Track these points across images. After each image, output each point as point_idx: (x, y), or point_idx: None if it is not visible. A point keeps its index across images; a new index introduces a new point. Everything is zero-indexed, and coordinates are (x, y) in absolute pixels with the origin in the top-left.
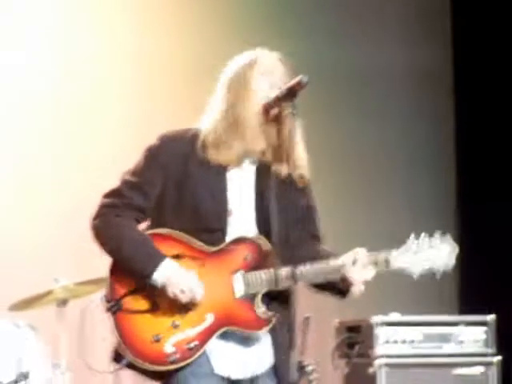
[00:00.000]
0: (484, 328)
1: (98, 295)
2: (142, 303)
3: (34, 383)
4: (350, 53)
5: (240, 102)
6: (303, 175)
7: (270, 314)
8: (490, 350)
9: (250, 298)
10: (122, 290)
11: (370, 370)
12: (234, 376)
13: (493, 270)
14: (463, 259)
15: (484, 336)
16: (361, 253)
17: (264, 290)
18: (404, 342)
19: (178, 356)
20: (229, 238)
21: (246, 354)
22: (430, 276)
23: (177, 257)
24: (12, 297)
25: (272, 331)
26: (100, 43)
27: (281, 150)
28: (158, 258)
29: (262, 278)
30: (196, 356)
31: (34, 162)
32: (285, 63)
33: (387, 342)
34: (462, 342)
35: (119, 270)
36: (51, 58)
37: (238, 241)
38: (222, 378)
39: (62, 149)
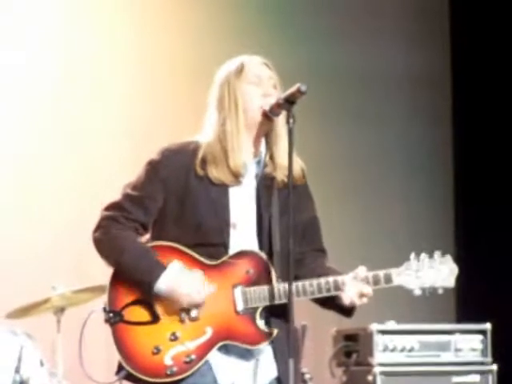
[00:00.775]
0: (481, 336)
1: (98, 305)
2: (142, 314)
3: None
4: (348, 57)
5: (228, 119)
6: (286, 176)
7: (270, 328)
8: (486, 359)
9: (250, 312)
10: (122, 301)
11: (368, 379)
12: None
13: (490, 278)
14: (460, 267)
15: (481, 345)
16: (361, 271)
17: (264, 305)
18: (401, 350)
19: (175, 369)
20: (231, 252)
21: (248, 366)
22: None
23: None
24: (9, 304)
25: (272, 342)
26: (100, 43)
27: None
28: (159, 269)
29: (262, 293)
30: (194, 369)
31: (33, 166)
32: (270, 67)
33: (384, 350)
34: (459, 350)
35: (119, 281)
36: (51, 58)
37: (240, 254)
38: None
39: (61, 150)
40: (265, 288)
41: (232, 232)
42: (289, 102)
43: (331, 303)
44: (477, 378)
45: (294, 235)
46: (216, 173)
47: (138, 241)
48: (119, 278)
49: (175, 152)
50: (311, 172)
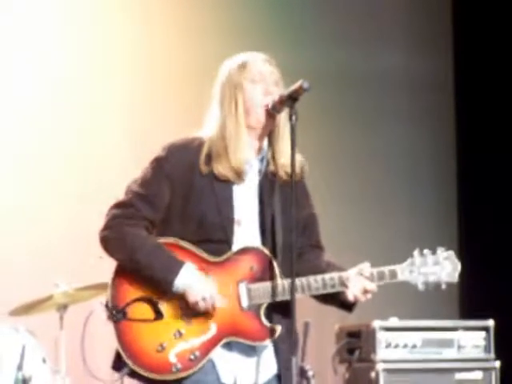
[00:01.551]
0: (484, 333)
1: (100, 302)
2: (145, 311)
3: None
4: (350, 59)
5: (228, 119)
6: (288, 172)
7: (274, 325)
8: (489, 356)
9: (255, 308)
10: (124, 299)
11: (371, 375)
12: None
13: (493, 274)
14: (464, 264)
15: (484, 341)
16: (365, 267)
17: (267, 301)
18: (404, 347)
19: (180, 366)
20: (235, 248)
21: (250, 363)
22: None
23: None
24: (12, 302)
25: (274, 339)
26: (100, 43)
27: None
28: (177, 265)
29: (267, 289)
30: (198, 366)
31: (34, 165)
32: (273, 64)
33: (387, 347)
34: (461, 347)
35: (122, 278)
36: (51, 58)
37: (244, 250)
38: None
39: (62, 149)
40: (269, 284)
41: (236, 229)
42: (291, 99)
43: (333, 299)
44: (480, 374)
45: (296, 231)
46: (222, 169)
47: (149, 238)
48: (121, 275)
49: (181, 148)
50: (311, 172)
